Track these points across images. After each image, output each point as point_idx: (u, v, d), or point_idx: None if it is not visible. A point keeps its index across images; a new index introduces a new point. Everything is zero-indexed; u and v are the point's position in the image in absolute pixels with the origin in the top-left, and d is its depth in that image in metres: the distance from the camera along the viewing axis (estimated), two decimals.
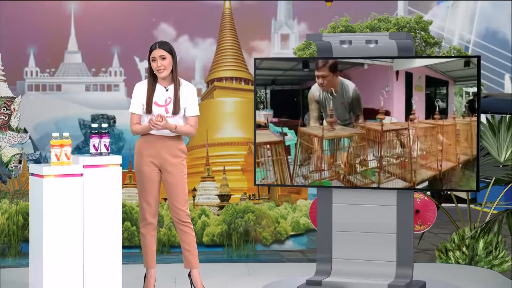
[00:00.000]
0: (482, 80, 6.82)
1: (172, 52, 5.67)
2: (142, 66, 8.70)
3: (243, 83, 8.76)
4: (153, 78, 5.71)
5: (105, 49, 8.67)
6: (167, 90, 5.69)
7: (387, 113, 5.82)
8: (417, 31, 9.14)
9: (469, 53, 9.69)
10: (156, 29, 8.59)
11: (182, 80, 5.76)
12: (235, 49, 8.75)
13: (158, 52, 5.63)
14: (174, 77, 5.69)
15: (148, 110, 5.64)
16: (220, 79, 8.73)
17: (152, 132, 5.65)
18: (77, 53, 8.77)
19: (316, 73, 5.98)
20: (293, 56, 8.78)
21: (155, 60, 5.63)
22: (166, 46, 5.67)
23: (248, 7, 8.80)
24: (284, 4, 8.93)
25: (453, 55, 9.04)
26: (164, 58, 5.62)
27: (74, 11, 8.63)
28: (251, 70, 8.42)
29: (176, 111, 5.62)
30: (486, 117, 7.28)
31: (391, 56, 5.92)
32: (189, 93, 5.71)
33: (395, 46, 5.92)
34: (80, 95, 8.71)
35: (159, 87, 5.70)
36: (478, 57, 5.72)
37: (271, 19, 8.88)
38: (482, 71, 5.75)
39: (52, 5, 8.56)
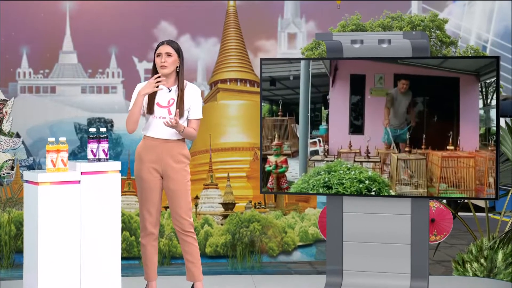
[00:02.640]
0: (500, 82, 6.83)
1: (179, 52, 5.71)
2: (141, 67, 8.72)
3: (248, 85, 8.78)
4: None
5: (102, 49, 8.69)
6: (170, 91, 5.72)
7: None
8: (432, 30, 9.15)
9: (487, 53, 9.70)
10: (156, 28, 8.61)
11: (186, 82, 5.79)
12: (239, 49, 8.78)
13: (165, 48, 5.68)
14: (179, 79, 5.72)
15: (150, 110, 5.66)
16: (224, 81, 8.76)
17: (154, 135, 5.67)
18: (73, 53, 8.79)
19: (403, 80, 6.03)
20: (301, 56, 8.80)
21: (160, 56, 5.68)
22: (174, 44, 5.73)
23: (254, 4, 8.82)
24: (291, 2, 8.95)
25: (470, 55, 9.05)
26: (169, 55, 5.67)
27: (69, 9, 8.66)
28: (257, 71, 8.44)
29: (180, 114, 5.64)
30: (505, 121, 7.29)
31: (405, 57, 5.95)
32: (193, 95, 5.74)
33: (410, 45, 5.94)
34: (76, 97, 8.73)
35: (161, 88, 5.72)
36: (497, 58, 5.74)
37: (278, 18, 8.90)
38: (501, 72, 5.77)
39: (46, 3, 8.59)
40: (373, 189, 6.00)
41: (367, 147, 6.06)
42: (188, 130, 5.69)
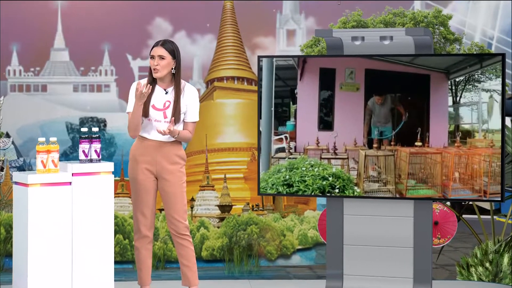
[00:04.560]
0: (506, 80, 6.81)
1: (174, 54, 5.66)
2: (135, 64, 8.71)
3: (245, 83, 8.78)
4: (152, 78, 5.71)
5: (95, 46, 8.68)
6: (166, 92, 5.69)
7: None
8: (436, 27, 9.13)
9: (493, 50, 9.69)
10: (151, 24, 8.60)
11: (184, 82, 5.75)
12: (237, 46, 8.77)
13: (158, 51, 5.65)
14: (176, 81, 5.68)
15: (145, 113, 5.64)
16: (220, 79, 8.75)
17: (149, 137, 5.66)
18: (64, 51, 8.78)
19: (377, 97, 6.03)
20: (300, 53, 8.79)
21: (153, 58, 5.66)
22: (169, 46, 5.67)
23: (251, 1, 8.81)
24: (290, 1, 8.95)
25: (474, 52, 9.04)
26: (162, 58, 5.63)
27: (61, 5, 8.65)
28: (254, 69, 8.44)
29: (176, 120, 5.62)
30: None
31: (408, 54, 5.94)
32: (190, 97, 5.71)
33: (412, 42, 5.93)
34: (68, 96, 8.72)
35: (158, 89, 5.70)
36: (503, 55, 5.74)
37: (276, 14, 8.89)
38: (506, 70, 5.76)
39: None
40: (337, 186, 5.99)
41: (334, 143, 6.05)
42: (184, 134, 5.68)
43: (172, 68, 5.68)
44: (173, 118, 5.60)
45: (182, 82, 5.74)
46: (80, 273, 5.37)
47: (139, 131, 5.65)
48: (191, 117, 5.73)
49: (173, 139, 5.66)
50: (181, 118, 5.69)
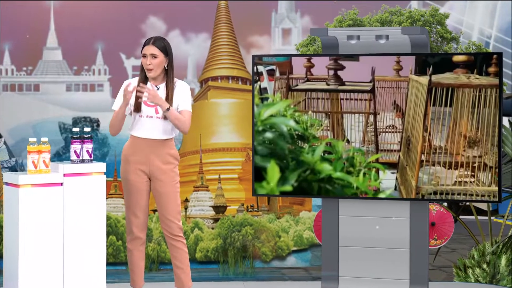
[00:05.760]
0: (504, 79, 6.81)
1: (166, 51, 5.64)
2: (129, 63, 8.70)
3: (240, 82, 8.77)
4: (144, 75, 5.70)
5: (88, 45, 8.67)
6: (158, 89, 5.69)
7: None
8: (433, 25, 9.14)
9: (490, 49, 9.69)
10: (144, 23, 8.59)
11: (176, 79, 5.74)
12: (231, 45, 8.76)
13: (149, 49, 5.62)
14: (168, 77, 5.67)
15: (137, 109, 5.63)
16: (215, 78, 8.74)
17: (141, 135, 5.64)
18: (57, 50, 8.77)
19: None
20: (295, 53, 8.78)
21: (145, 57, 5.64)
22: (160, 43, 5.64)
23: None
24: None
25: (472, 51, 9.04)
26: (155, 57, 5.61)
27: (53, 4, 8.64)
28: (249, 68, 8.42)
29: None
30: (509, 120, 7.28)
31: (404, 53, 5.93)
32: (182, 92, 5.69)
33: (408, 41, 5.92)
34: (60, 95, 8.71)
35: (149, 86, 5.69)
36: (500, 54, 5.73)
37: (271, 12, 8.88)
38: (504, 69, 5.75)
39: None
40: None
41: None
42: (177, 114, 5.60)
43: (165, 66, 5.68)
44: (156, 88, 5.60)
45: (174, 79, 5.72)
46: (72, 275, 5.36)
47: (119, 131, 5.67)
48: (183, 106, 5.68)
49: (166, 136, 5.65)
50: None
